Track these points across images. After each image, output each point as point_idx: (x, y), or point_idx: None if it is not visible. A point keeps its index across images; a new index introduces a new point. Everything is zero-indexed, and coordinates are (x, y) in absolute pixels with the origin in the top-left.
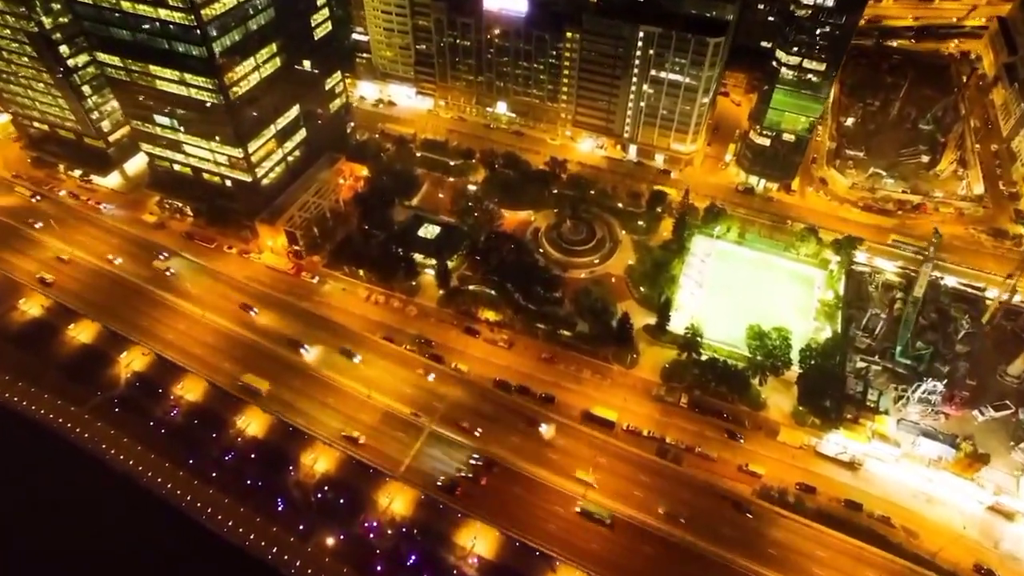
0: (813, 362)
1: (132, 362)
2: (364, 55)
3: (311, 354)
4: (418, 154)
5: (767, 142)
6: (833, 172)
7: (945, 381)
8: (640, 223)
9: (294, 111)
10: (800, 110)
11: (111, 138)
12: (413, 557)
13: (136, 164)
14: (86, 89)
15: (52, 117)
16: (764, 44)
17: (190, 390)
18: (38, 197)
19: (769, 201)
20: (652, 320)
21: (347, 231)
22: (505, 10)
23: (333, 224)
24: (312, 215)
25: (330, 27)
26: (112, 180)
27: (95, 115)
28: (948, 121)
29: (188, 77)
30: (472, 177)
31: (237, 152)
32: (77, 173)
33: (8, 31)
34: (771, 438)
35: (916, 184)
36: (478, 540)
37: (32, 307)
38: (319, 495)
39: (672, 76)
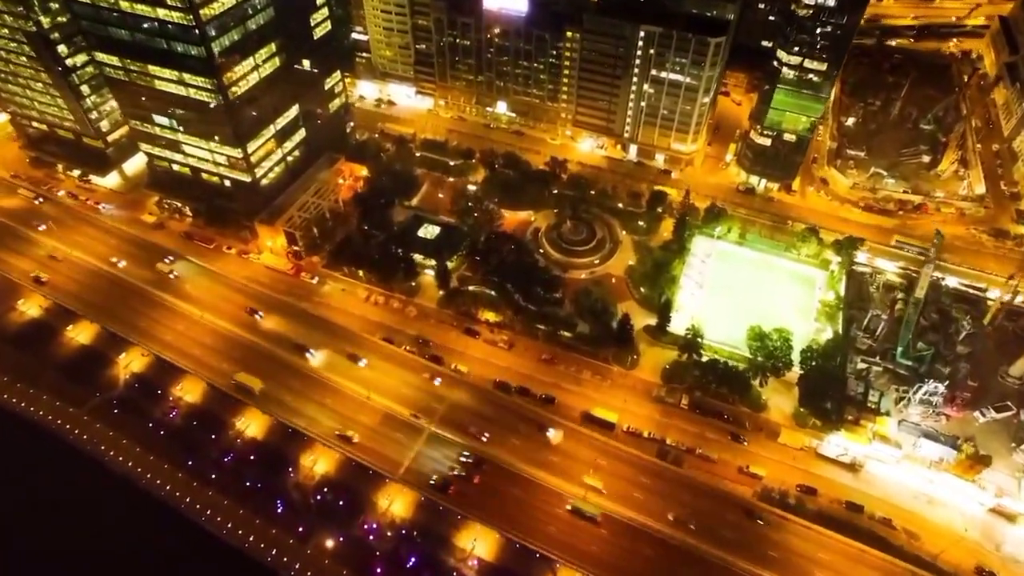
0: (814, 363)
1: (131, 363)
2: (364, 54)
3: (317, 358)
4: (418, 154)
5: (768, 142)
6: (834, 172)
7: (946, 382)
8: (640, 223)
9: (293, 111)
10: (801, 110)
11: (110, 138)
12: (413, 559)
13: (135, 164)
14: (85, 89)
15: (51, 117)
16: (765, 44)
17: (189, 391)
18: (41, 199)
19: (770, 201)
20: (652, 321)
21: (346, 231)
22: (505, 9)
23: (332, 224)
24: (311, 215)
25: (329, 26)
26: (111, 180)
27: (94, 115)
28: (949, 121)
29: (187, 77)
30: (472, 177)
31: (236, 152)
32: (76, 173)
33: (6, 30)
34: (772, 440)
35: (917, 184)
36: (478, 542)
37: (31, 308)
38: (318, 497)
39: (673, 76)
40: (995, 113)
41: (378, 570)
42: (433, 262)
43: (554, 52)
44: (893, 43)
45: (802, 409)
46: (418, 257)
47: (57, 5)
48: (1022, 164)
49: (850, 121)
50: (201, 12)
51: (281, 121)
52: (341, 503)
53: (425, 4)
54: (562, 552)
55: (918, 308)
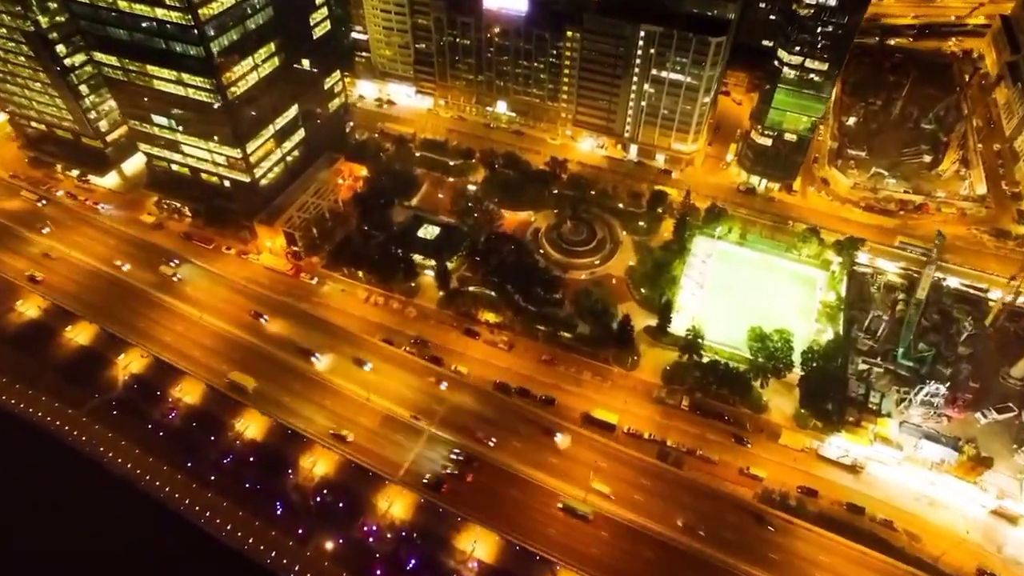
0: (815, 364)
1: (130, 364)
2: (363, 54)
3: (322, 363)
4: (417, 154)
5: (769, 142)
6: (835, 172)
7: (948, 383)
8: (641, 223)
9: (293, 111)
10: (802, 110)
11: (109, 138)
12: (413, 561)
13: (134, 164)
14: (83, 89)
15: (49, 117)
16: (766, 43)
17: (188, 392)
18: (44, 201)
19: (770, 201)
20: (653, 322)
21: (346, 232)
22: (505, 9)
23: (332, 225)
24: (311, 215)
25: (329, 26)
26: (110, 180)
27: (92, 115)
28: (950, 120)
29: (186, 77)
30: (472, 177)
31: (235, 152)
32: (74, 173)
33: (4, 30)
34: (772, 441)
35: (918, 184)
36: (478, 544)
37: (29, 308)
38: (318, 498)
39: (673, 75)
40: (996, 113)
41: (378, 572)
42: (433, 262)
43: (554, 52)
44: (893, 42)
45: (803, 410)
46: (418, 257)
47: (55, 5)
48: (1023, 164)
49: (851, 121)
50: (200, 12)
51: (280, 121)
52: (341, 505)
53: (425, 3)
54: (562, 554)
55: (919, 309)
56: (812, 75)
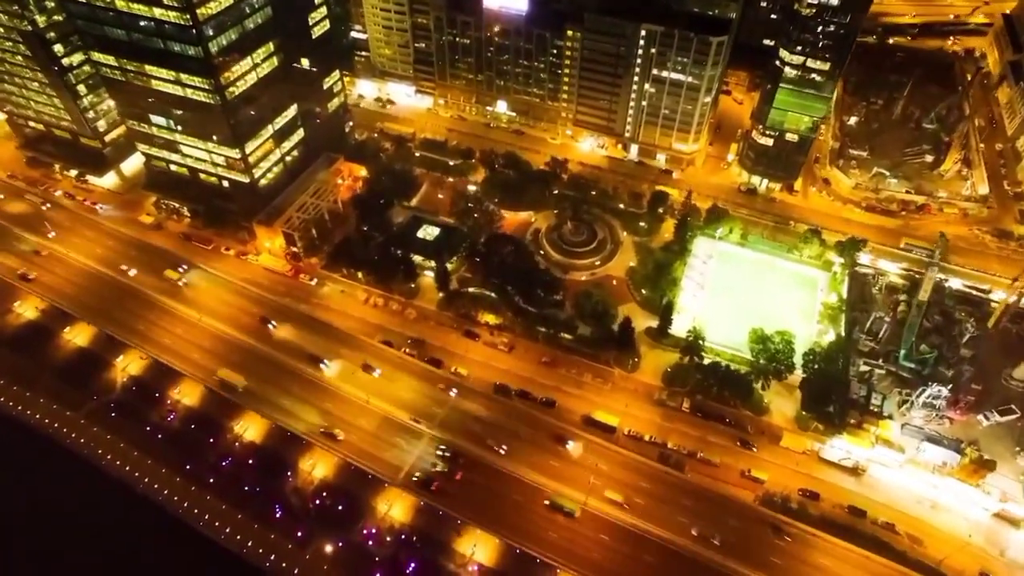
0: (816, 366)
1: (128, 366)
2: (363, 53)
3: (331, 369)
4: (417, 154)
5: (770, 142)
6: (836, 172)
7: (950, 385)
8: (642, 224)
9: (292, 111)
10: (803, 109)
11: (107, 138)
12: (412, 565)
13: (132, 164)
14: (81, 88)
15: (47, 117)
16: (767, 42)
17: (187, 395)
18: (48, 205)
19: (772, 202)
20: (654, 323)
21: (345, 232)
22: (505, 8)
23: (331, 225)
24: (310, 216)
25: (328, 25)
26: (108, 180)
27: (90, 115)
28: (952, 120)
29: (184, 77)
30: (472, 177)
31: (234, 152)
32: (73, 173)
33: (2, 29)
34: (774, 443)
35: (920, 184)
36: (478, 547)
37: (27, 310)
38: (317, 501)
39: (674, 75)
40: (998, 112)
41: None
42: (433, 263)
43: (555, 51)
44: (893, 41)
45: (804, 412)
46: (417, 258)
47: (52, 4)
48: None
49: (852, 120)
50: (198, 11)
51: (279, 121)
52: (340, 508)
53: (424, 2)
54: (562, 558)
55: (921, 310)
56: (813, 75)
